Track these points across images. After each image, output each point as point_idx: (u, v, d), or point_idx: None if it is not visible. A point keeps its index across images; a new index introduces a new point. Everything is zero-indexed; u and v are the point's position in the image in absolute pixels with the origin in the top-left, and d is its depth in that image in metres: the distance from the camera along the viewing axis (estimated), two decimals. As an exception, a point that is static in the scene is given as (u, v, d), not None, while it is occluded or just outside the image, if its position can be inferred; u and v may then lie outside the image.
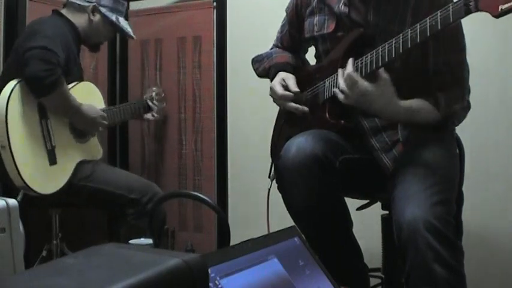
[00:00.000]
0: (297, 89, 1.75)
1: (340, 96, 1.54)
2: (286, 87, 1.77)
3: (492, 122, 2.30)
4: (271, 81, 1.87)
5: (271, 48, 2.01)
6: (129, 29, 2.53)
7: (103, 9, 2.41)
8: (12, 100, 2.04)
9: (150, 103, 2.60)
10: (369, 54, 1.53)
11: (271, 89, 1.80)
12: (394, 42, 1.45)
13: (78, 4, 2.38)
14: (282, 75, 1.82)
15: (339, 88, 1.54)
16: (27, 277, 0.86)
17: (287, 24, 1.92)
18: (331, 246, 1.60)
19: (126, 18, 2.64)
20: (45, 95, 2.08)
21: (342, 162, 1.58)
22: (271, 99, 1.97)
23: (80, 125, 2.28)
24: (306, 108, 1.72)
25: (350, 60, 1.52)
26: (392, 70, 1.57)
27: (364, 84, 1.49)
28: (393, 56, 1.46)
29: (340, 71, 1.56)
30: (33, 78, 2.03)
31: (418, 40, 1.38)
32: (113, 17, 2.44)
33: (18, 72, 2.08)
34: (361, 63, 1.55)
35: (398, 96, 1.64)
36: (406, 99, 1.62)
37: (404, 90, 1.63)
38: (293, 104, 1.74)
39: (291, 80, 1.78)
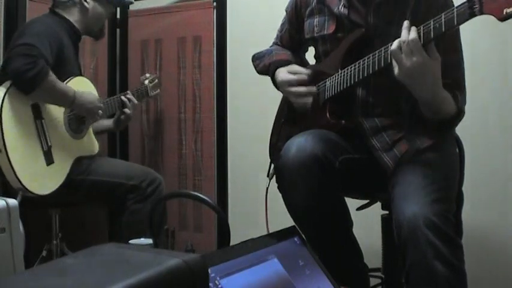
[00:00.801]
0: (307, 71, 1.74)
1: (399, 62, 1.41)
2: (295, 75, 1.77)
3: (492, 122, 2.30)
4: (272, 77, 1.86)
5: (272, 45, 2.00)
6: None
7: None
8: (5, 103, 2.03)
9: (123, 98, 2.53)
10: (370, 55, 1.53)
11: (282, 82, 1.77)
12: None
13: (66, 0, 2.34)
14: (284, 68, 1.80)
15: (397, 54, 1.40)
16: (27, 277, 0.86)
17: (287, 24, 1.92)
18: (331, 246, 1.60)
19: None
20: (32, 88, 2.05)
21: (341, 162, 1.58)
22: (271, 99, 1.97)
23: (80, 110, 2.26)
24: (314, 89, 1.72)
25: (413, 28, 1.40)
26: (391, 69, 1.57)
27: (425, 55, 1.38)
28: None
29: (397, 41, 1.41)
30: (15, 74, 2.02)
31: (422, 42, 1.38)
32: None
33: (3, 71, 2.07)
34: (363, 64, 1.55)
35: (398, 97, 1.64)
36: (406, 99, 1.63)
37: (403, 89, 1.63)
38: (304, 88, 1.72)
39: (295, 66, 1.78)
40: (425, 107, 1.51)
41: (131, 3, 2.61)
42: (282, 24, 1.95)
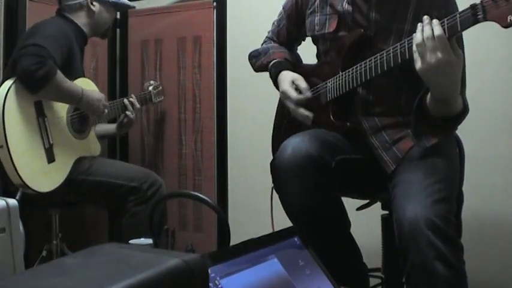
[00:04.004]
0: (309, 94, 1.73)
1: (422, 57, 1.35)
2: (297, 90, 1.76)
3: (493, 121, 2.30)
4: (273, 79, 1.86)
5: (265, 41, 2.00)
6: (128, 2, 2.57)
7: None
8: (8, 99, 2.04)
9: (125, 101, 2.56)
10: (372, 58, 1.53)
11: (284, 92, 1.77)
12: (399, 47, 1.45)
13: (74, 3, 2.37)
14: (289, 76, 1.79)
15: (421, 48, 1.35)
16: (27, 277, 0.86)
17: (285, 20, 1.91)
18: (329, 246, 1.59)
19: None
20: (40, 88, 2.06)
21: (338, 162, 1.57)
22: (271, 99, 1.97)
23: (88, 109, 2.28)
24: (311, 116, 1.72)
25: (435, 21, 1.33)
26: (393, 69, 1.57)
27: (451, 53, 1.32)
28: (399, 61, 1.46)
29: (418, 31, 1.36)
30: (24, 73, 2.03)
31: None
32: None
33: (13, 70, 2.08)
34: (365, 67, 1.55)
35: (398, 96, 1.64)
36: (407, 99, 1.63)
37: (404, 88, 1.63)
38: (304, 112, 1.72)
39: (301, 82, 1.76)
40: (439, 104, 1.45)
41: (133, 7, 2.63)
42: (279, 20, 1.95)
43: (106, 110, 2.35)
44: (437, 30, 1.33)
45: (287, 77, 1.80)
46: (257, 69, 1.99)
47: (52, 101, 2.19)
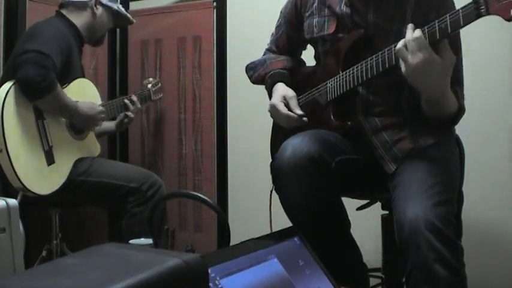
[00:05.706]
0: (300, 112, 1.73)
1: (405, 61, 1.41)
2: (287, 106, 1.75)
3: (493, 122, 2.30)
4: (268, 91, 1.85)
5: (264, 53, 1.98)
6: (128, 15, 2.58)
7: (104, 0, 2.42)
8: (7, 103, 2.04)
9: (126, 101, 2.55)
10: (373, 56, 1.53)
11: (273, 107, 1.77)
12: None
13: (78, 1, 2.37)
14: (281, 91, 1.79)
15: (403, 53, 1.40)
16: (27, 277, 0.86)
17: (284, 25, 1.90)
18: (329, 246, 1.59)
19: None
20: (37, 98, 2.08)
21: (337, 163, 1.57)
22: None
23: (79, 123, 2.29)
24: (306, 120, 1.71)
25: (417, 29, 1.40)
26: (393, 69, 1.57)
27: (432, 52, 1.37)
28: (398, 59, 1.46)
29: (404, 40, 1.41)
30: (26, 81, 2.03)
31: (428, 42, 1.38)
32: (115, 6, 2.47)
33: (13, 74, 2.08)
34: (366, 66, 1.56)
35: (399, 96, 1.64)
36: (407, 99, 1.63)
37: (404, 88, 1.63)
38: (295, 112, 1.72)
39: (293, 100, 1.76)
40: (431, 105, 1.50)
41: (132, 22, 2.64)
42: (278, 27, 1.93)
43: (100, 123, 2.37)
44: (417, 32, 1.38)
45: (279, 90, 1.79)
46: (254, 81, 1.97)
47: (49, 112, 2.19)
